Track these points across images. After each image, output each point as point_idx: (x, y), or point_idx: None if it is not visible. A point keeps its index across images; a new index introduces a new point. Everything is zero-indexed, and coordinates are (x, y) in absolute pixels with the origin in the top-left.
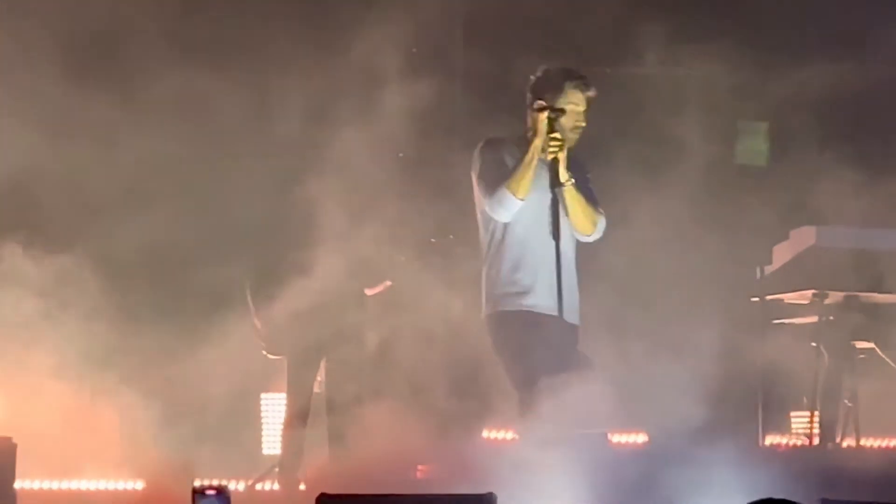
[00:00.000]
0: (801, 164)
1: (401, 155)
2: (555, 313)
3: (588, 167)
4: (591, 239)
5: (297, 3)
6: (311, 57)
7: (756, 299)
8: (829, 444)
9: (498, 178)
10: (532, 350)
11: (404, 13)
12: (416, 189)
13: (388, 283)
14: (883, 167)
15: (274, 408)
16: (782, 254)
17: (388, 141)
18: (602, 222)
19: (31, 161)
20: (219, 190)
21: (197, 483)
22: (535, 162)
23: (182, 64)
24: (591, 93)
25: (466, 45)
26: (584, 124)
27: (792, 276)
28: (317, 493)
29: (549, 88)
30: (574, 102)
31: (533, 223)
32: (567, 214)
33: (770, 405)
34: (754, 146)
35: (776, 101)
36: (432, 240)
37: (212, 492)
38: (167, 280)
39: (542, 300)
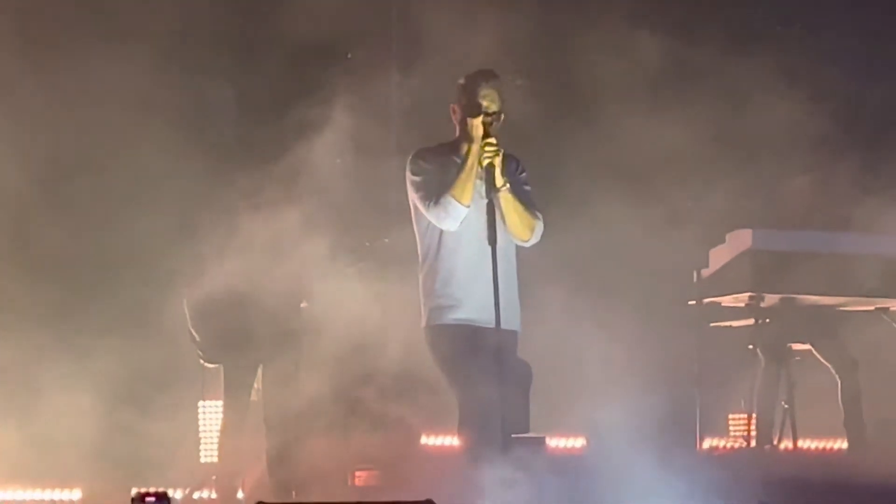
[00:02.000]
0: (738, 167)
1: (338, 161)
2: (491, 325)
3: (522, 166)
4: (528, 244)
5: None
6: (247, 58)
7: (693, 303)
8: (767, 447)
9: (438, 187)
10: (468, 362)
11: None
12: (352, 193)
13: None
14: (820, 168)
15: (211, 416)
16: (719, 257)
17: (327, 146)
18: (539, 226)
19: None
20: (152, 194)
21: (135, 491)
22: (475, 167)
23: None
24: (499, 84)
25: (401, 47)
26: (501, 117)
27: (728, 280)
28: (254, 501)
29: (465, 94)
30: (489, 99)
31: (468, 232)
32: (503, 220)
33: (708, 408)
34: None
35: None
36: (367, 243)
37: (151, 499)
38: (104, 285)
39: (475, 313)
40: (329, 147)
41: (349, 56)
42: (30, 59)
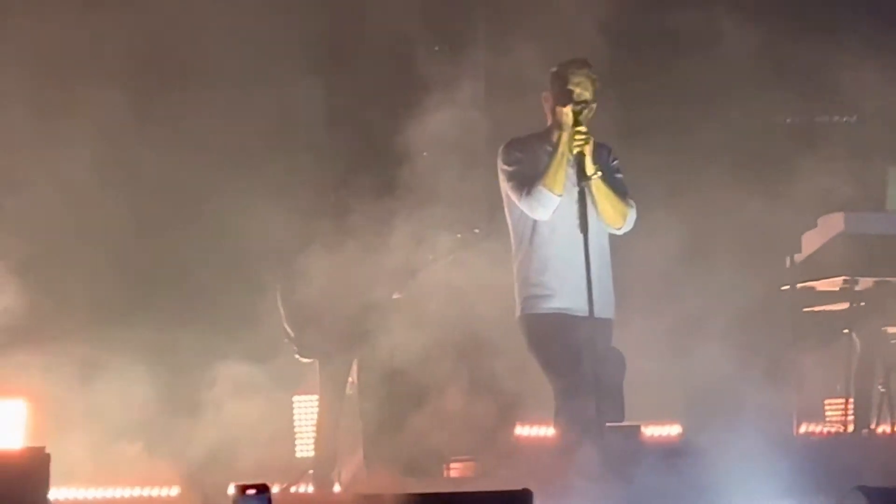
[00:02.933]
0: (829, 150)
1: (425, 154)
2: (584, 313)
3: (614, 154)
4: (621, 231)
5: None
6: (332, 58)
7: (787, 288)
8: (864, 431)
9: (530, 176)
10: (563, 351)
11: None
12: (441, 186)
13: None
14: None
15: (306, 410)
16: (811, 241)
17: (414, 140)
18: (632, 213)
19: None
20: (245, 197)
21: (234, 484)
22: (566, 156)
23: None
24: (593, 75)
25: (488, 41)
26: (592, 105)
27: (822, 264)
28: (352, 495)
29: (557, 83)
30: (581, 87)
31: (560, 221)
32: (596, 208)
33: (804, 393)
34: None
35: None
36: (458, 234)
37: (252, 491)
38: (199, 286)
39: (570, 302)
40: (418, 140)
41: (436, 49)
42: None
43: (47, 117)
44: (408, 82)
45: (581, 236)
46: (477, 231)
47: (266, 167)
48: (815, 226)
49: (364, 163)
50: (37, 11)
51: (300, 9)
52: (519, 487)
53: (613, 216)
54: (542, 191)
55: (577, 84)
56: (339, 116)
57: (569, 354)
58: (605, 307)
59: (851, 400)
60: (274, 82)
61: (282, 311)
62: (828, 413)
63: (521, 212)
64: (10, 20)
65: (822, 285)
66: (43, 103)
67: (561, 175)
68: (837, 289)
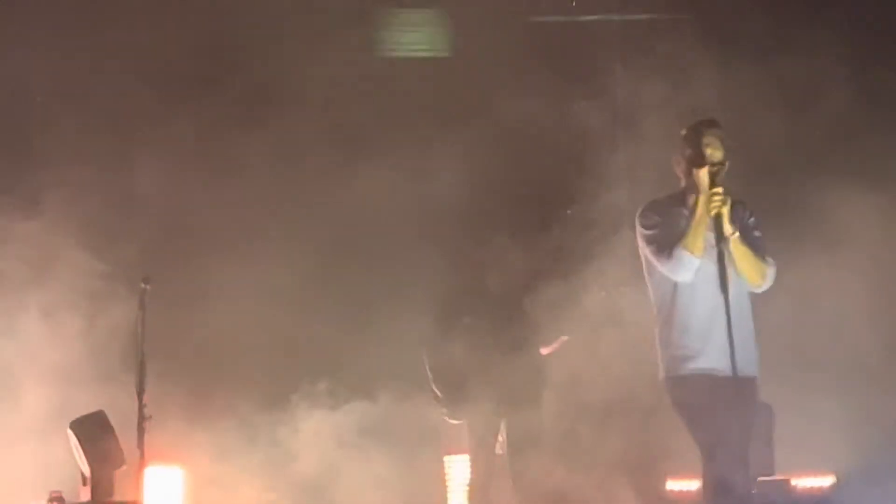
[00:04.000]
0: None
1: (569, 212)
2: (728, 373)
3: (751, 212)
4: (761, 289)
5: None
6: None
7: None
8: None
9: (670, 239)
10: (708, 412)
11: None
12: (584, 242)
13: (565, 338)
14: None
15: (457, 469)
16: None
17: (558, 197)
18: (771, 271)
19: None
20: (394, 260)
21: None
22: (705, 218)
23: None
24: (721, 132)
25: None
26: (726, 165)
27: None
28: None
29: (689, 145)
30: (713, 148)
31: (701, 282)
32: (735, 267)
33: None
34: None
35: None
36: (603, 293)
37: None
38: (347, 354)
39: (713, 362)
40: (562, 198)
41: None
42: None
43: None
44: (547, 140)
45: (722, 296)
46: (624, 290)
47: (407, 228)
48: None
49: (508, 223)
50: None
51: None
52: None
53: (752, 275)
54: (683, 253)
55: (709, 145)
56: (479, 177)
57: (714, 414)
58: (748, 365)
59: None
60: (413, 143)
61: (429, 373)
62: None
63: (662, 274)
64: None
65: None
66: None
67: (700, 237)
68: None
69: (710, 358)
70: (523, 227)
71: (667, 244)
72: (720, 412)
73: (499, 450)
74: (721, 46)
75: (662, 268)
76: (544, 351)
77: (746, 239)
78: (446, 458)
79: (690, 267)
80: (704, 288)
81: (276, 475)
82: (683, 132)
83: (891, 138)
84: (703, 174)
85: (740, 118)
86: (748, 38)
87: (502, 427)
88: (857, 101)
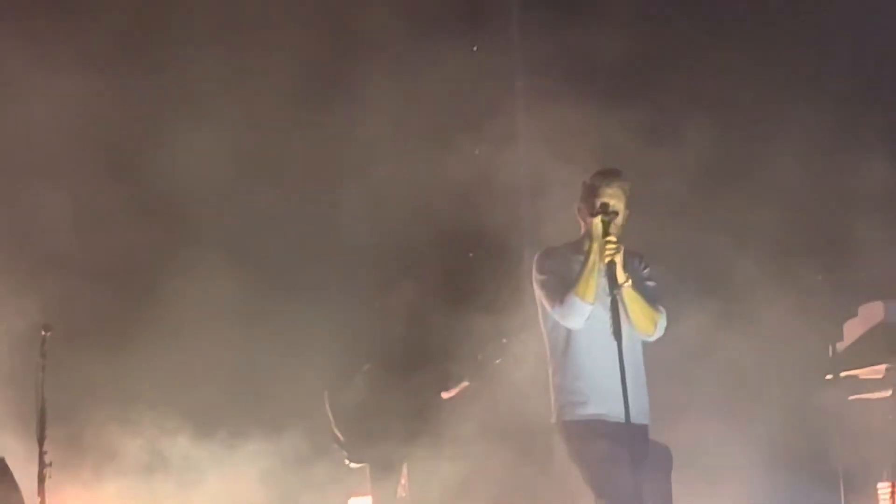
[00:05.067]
0: (867, 240)
1: (471, 255)
2: (620, 419)
3: (644, 261)
4: (652, 338)
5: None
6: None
7: (830, 377)
8: None
9: (563, 286)
10: (600, 456)
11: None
12: (485, 288)
13: (465, 384)
14: None
15: None
16: (853, 330)
17: (464, 241)
18: (663, 320)
19: None
20: (290, 303)
21: None
22: (598, 266)
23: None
24: (625, 185)
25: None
26: (620, 215)
27: (864, 352)
28: None
29: (589, 194)
30: (611, 198)
31: (594, 328)
32: (628, 316)
33: (853, 479)
34: None
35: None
36: (504, 340)
37: None
38: (254, 396)
39: (605, 408)
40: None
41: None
42: None
43: None
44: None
45: (615, 343)
46: (522, 337)
47: (310, 271)
48: (856, 314)
49: (409, 266)
50: None
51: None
52: None
53: (644, 323)
54: (574, 300)
55: (610, 196)
56: (384, 222)
57: (606, 458)
58: (640, 413)
59: None
60: (313, 186)
61: (330, 415)
62: (881, 497)
63: (555, 321)
64: None
65: (865, 373)
66: None
67: (592, 284)
68: (881, 376)
69: (602, 404)
70: (427, 272)
71: (559, 290)
72: (611, 457)
73: (401, 492)
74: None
75: (554, 313)
76: (445, 395)
77: (639, 288)
78: (351, 501)
79: (581, 313)
80: (597, 335)
81: None
82: (586, 181)
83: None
84: (597, 222)
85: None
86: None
87: (404, 469)
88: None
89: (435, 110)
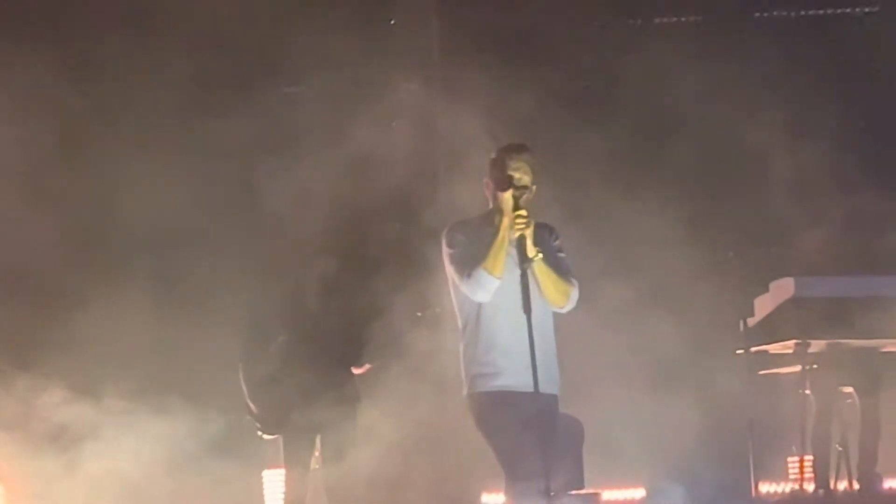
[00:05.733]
0: (778, 218)
1: (387, 229)
2: (530, 390)
3: (556, 233)
4: (564, 310)
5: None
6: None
7: (741, 352)
8: (822, 490)
9: (472, 259)
10: (510, 428)
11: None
12: (401, 262)
13: (368, 365)
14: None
15: (276, 484)
16: (764, 306)
17: (377, 213)
18: (574, 292)
19: None
20: (209, 273)
21: None
22: (506, 241)
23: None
24: (532, 159)
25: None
26: (532, 190)
27: (774, 328)
28: None
29: (497, 169)
30: (520, 172)
31: (504, 302)
32: (539, 289)
33: (763, 454)
34: None
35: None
36: (418, 313)
37: None
38: (162, 359)
39: (515, 379)
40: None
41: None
42: None
43: None
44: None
45: (525, 316)
46: (438, 310)
47: (227, 244)
48: (767, 290)
49: (325, 239)
50: None
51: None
52: None
53: (555, 296)
54: (482, 274)
55: (517, 169)
56: (302, 195)
57: (515, 429)
58: (550, 384)
59: (811, 459)
60: (236, 156)
61: (244, 387)
62: (791, 472)
63: (466, 294)
64: None
65: (775, 348)
66: None
67: (501, 258)
68: (791, 351)
69: (512, 376)
70: (342, 246)
71: (468, 264)
72: (520, 428)
73: (314, 464)
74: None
75: (463, 287)
76: (356, 371)
77: (550, 261)
78: (265, 473)
79: (489, 287)
80: (508, 308)
81: (96, 490)
82: (493, 156)
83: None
84: (508, 197)
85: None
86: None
87: (317, 442)
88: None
89: (352, 84)
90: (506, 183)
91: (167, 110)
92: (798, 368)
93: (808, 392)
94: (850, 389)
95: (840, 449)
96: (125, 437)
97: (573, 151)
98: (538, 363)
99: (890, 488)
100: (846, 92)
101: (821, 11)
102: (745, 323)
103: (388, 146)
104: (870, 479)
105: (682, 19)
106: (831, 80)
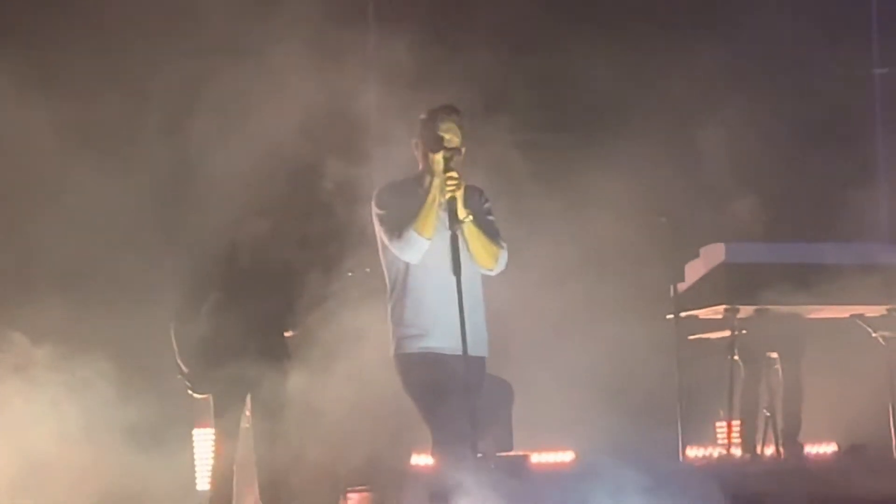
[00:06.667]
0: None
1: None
2: (458, 352)
3: (486, 196)
4: (493, 272)
5: None
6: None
7: (671, 316)
8: (749, 455)
9: (402, 220)
10: (436, 390)
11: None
12: (332, 223)
13: (290, 333)
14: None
15: (205, 443)
16: (694, 271)
17: (309, 173)
18: (503, 255)
19: None
20: (139, 229)
21: None
22: (437, 201)
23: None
24: (461, 120)
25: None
26: (462, 151)
27: (704, 293)
28: None
29: (427, 130)
30: (450, 134)
31: (433, 263)
32: (469, 251)
33: (691, 418)
34: None
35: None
36: (349, 273)
37: None
38: (92, 319)
39: (442, 341)
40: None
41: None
42: None
43: None
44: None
45: (454, 278)
46: (368, 270)
47: (161, 203)
48: (698, 255)
49: (259, 199)
50: None
51: None
52: None
53: (485, 258)
54: (412, 235)
55: (447, 130)
56: (232, 156)
57: (441, 391)
58: (478, 345)
59: (738, 424)
60: (168, 121)
61: (175, 346)
62: (718, 436)
63: (394, 254)
64: None
65: (705, 313)
66: None
67: (431, 219)
68: (720, 317)
69: (440, 337)
70: (275, 205)
71: (398, 225)
72: (446, 389)
73: (244, 423)
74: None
75: (392, 247)
76: (287, 334)
77: (480, 223)
78: (195, 432)
79: (419, 248)
80: (437, 269)
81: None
82: (423, 116)
83: None
84: (439, 158)
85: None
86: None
87: (248, 401)
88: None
89: (290, 44)
90: (437, 144)
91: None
92: (727, 333)
93: (736, 357)
94: (776, 355)
95: (768, 414)
96: (48, 396)
97: (503, 116)
98: (466, 325)
99: (813, 454)
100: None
101: None
102: (675, 288)
103: (322, 108)
104: (793, 444)
105: None
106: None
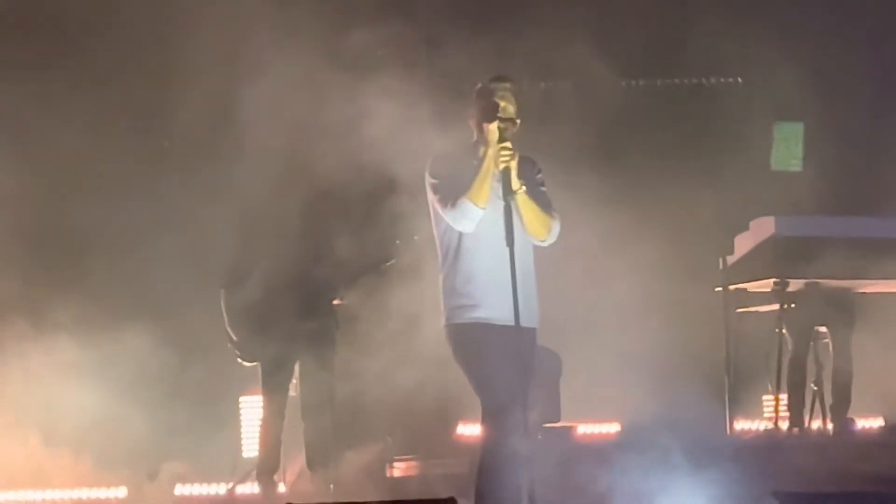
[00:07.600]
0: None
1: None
2: (509, 322)
3: (538, 166)
4: (546, 243)
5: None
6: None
7: (720, 289)
8: (796, 429)
9: (456, 190)
10: (488, 360)
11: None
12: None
13: (337, 301)
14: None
15: (252, 411)
16: (744, 244)
17: (356, 144)
18: (556, 226)
19: None
20: (189, 199)
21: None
22: (491, 171)
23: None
24: (513, 89)
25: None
26: (516, 122)
27: (753, 266)
28: (296, 496)
29: (482, 100)
30: (505, 103)
31: (486, 234)
32: (521, 221)
33: (738, 392)
34: (791, 151)
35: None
36: (397, 241)
37: None
38: (143, 288)
39: (494, 311)
40: (355, 145)
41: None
42: None
43: None
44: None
45: (507, 249)
46: (416, 238)
47: (204, 170)
48: (748, 228)
49: (304, 167)
50: None
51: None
52: (447, 496)
53: (538, 229)
54: (466, 204)
55: (502, 97)
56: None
57: (492, 361)
58: (529, 317)
59: (784, 397)
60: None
61: (224, 315)
62: (765, 410)
63: (448, 224)
64: None
65: (753, 286)
66: None
67: (485, 190)
68: (769, 290)
69: (491, 308)
70: (327, 177)
71: (452, 195)
72: (498, 359)
73: (292, 391)
74: None
75: (446, 217)
76: (336, 303)
77: (533, 194)
78: (241, 399)
79: (473, 217)
80: (490, 239)
81: (58, 420)
82: (478, 86)
83: None
84: (493, 128)
85: None
86: None
87: (296, 369)
88: None
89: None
90: (492, 112)
91: None
92: (776, 307)
93: (784, 331)
94: (824, 329)
95: (815, 388)
96: (100, 363)
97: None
98: (518, 296)
99: (862, 429)
100: None
101: None
102: (724, 261)
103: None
104: (843, 419)
105: None
106: None
